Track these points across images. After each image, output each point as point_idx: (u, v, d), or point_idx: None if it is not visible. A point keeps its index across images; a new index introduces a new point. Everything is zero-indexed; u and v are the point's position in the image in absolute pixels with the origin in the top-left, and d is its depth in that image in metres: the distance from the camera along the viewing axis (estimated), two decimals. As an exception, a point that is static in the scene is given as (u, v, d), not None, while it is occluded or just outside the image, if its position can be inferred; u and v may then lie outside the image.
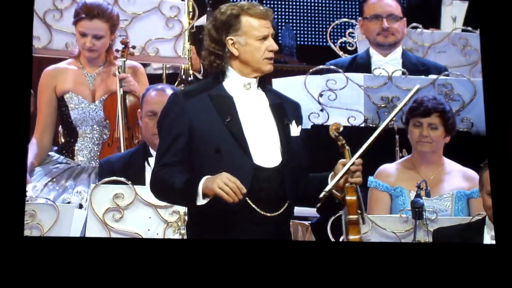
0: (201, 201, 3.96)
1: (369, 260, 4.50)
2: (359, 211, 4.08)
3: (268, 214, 4.03)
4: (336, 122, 4.14)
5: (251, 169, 4.01)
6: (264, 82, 4.17)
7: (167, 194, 4.10)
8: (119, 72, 5.25)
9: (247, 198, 3.98)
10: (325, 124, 5.14)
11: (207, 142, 4.02)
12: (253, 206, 4.01)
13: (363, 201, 4.13)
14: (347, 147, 4.09)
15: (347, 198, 4.05)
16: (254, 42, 4.08)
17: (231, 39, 4.07)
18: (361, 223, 4.11)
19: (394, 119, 5.11)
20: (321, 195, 4.02)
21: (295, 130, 4.12)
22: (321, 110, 5.19)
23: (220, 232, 4.06)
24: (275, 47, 4.09)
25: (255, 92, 4.13)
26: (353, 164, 4.03)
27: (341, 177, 4.03)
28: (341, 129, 4.10)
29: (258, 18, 4.08)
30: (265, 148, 4.06)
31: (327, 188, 4.02)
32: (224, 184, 3.90)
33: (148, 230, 4.70)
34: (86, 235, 4.69)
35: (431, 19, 5.99)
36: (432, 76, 5.24)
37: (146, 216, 4.71)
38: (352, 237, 4.08)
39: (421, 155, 4.94)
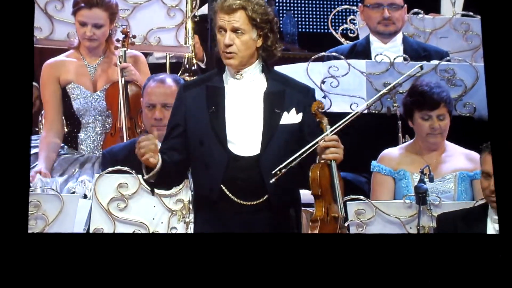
0: (145, 176, 4.04)
1: (371, 251, 4.51)
2: (320, 190, 4.06)
3: (245, 203, 4.07)
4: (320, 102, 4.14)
5: (226, 158, 4.06)
6: (270, 68, 4.19)
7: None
8: (120, 62, 5.24)
9: (223, 187, 4.06)
10: (327, 111, 5.13)
11: (194, 133, 4.10)
12: (229, 195, 4.06)
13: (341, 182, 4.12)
14: (324, 124, 4.09)
15: (309, 173, 4.06)
16: (217, 34, 4.11)
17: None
18: (330, 202, 4.09)
19: (395, 105, 5.14)
20: (274, 171, 4.02)
21: (292, 118, 4.13)
22: (324, 97, 5.19)
23: (207, 221, 4.13)
24: (226, 41, 4.06)
25: (251, 80, 4.15)
26: (322, 140, 4.04)
27: (300, 155, 4.03)
28: (323, 107, 4.11)
29: (219, 11, 4.09)
30: (245, 138, 4.09)
31: (282, 165, 4.02)
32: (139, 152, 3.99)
33: (153, 219, 4.71)
34: (91, 225, 4.70)
35: (432, 4, 5.98)
36: (434, 62, 5.23)
37: (150, 205, 4.72)
38: (316, 214, 4.08)
39: (429, 145, 4.93)
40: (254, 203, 4.07)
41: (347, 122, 4.17)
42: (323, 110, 4.11)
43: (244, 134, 4.09)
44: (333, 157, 4.05)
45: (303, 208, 4.84)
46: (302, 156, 4.04)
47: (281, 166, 4.02)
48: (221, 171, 4.06)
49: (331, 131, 4.09)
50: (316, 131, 4.15)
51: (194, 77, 5.52)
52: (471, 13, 5.66)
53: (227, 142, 4.07)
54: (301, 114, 4.13)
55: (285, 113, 4.12)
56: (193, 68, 5.71)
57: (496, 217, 4.51)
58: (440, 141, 4.95)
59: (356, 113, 4.24)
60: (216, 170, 4.06)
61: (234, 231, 4.12)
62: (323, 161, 4.07)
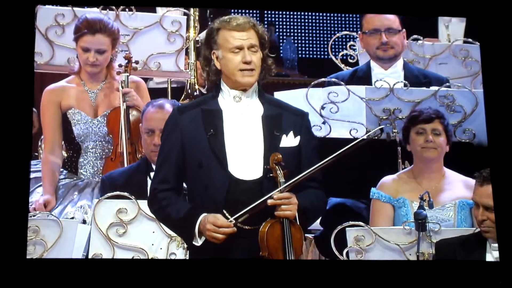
0: (198, 242, 4.06)
1: (370, 277, 4.50)
2: (266, 253, 4.00)
3: (247, 227, 4.05)
4: (278, 154, 4.08)
5: (227, 182, 4.06)
6: (264, 93, 4.21)
7: (164, 222, 4.33)
8: (122, 87, 5.25)
9: (225, 211, 4.04)
10: (327, 136, 5.14)
11: (191, 155, 4.11)
12: (231, 219, 4.05)
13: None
14: (279, 179, 4.04)
15: (260, 229, 4.03)
16: (227, 54, 4.13)
17: (214, 53, 4.15)
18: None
19: (395, 131, 5.13)
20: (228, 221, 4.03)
21: (290, 141, 4.13)
22: (323, 123, 5.19)
23: (208, 245, 4.08)
24: (247, 58, 4.11)
25: (248, 104, 4.17)
26: (270, 198, 4.02)
27: (248, 210, 4.02)
28: (281, 162, 4.05)
29: (232, 30, 4.13)
30: (246, 161, 4.09)
31: (232, 218, 4.02)
32: (212, 238, 4.02)
33: (152, 244, 4.70)
34: (90, 251, 4.69)
35: (429, 29, 6.00)
36: (434, 88, 5.24)
37: (149, 231, 4.71)
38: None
39: (425, 162, 4.91)
40: (257, 227, 4.06)
41: (304, 177, 4.10)
42: (279, 163, 4.05)
43: (244, 157, 4.10)
44: (283, 214, 4.03)
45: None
46: (258, 207, 4.03)
47: (231, 218, 4.03)
48: (223, 195, 4.06)
49: (285, 187, 4.03)
50: (312, 154, 4.16)
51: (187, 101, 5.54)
52: (470, 40, 5.67)
53: (227, 165, 4.07)
54: (298, 137, 4.15)
55: (284, 136, 4.13)
56: (195, 93, 5.72)
57: (495, 245, 4.50)
58: (436, 158, 4.91)
59: (314, 169, 4.14)
60: (217, 193, 4.06)
61: (235, 255, 4.10)
62: (274, 218, 4.03)
